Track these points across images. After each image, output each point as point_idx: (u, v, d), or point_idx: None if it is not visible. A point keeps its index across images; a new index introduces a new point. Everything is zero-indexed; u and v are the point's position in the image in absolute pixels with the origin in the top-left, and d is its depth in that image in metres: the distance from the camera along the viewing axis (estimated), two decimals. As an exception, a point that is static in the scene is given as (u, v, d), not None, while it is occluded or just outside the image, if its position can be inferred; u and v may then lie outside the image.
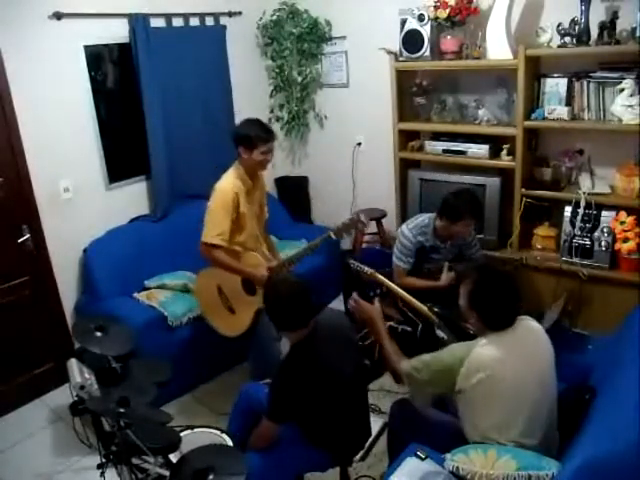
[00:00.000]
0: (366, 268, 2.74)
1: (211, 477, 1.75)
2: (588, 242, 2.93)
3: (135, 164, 3.54)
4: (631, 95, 2.70)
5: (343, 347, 2.03)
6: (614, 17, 2.68)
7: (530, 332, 1.89)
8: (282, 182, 4.54)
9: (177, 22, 3.59)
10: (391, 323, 3.01)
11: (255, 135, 2.59)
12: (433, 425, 2.04)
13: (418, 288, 2.87)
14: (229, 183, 2.62)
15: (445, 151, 3.41)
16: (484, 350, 1.79)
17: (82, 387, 2.03)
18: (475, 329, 1.94)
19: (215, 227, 2.56)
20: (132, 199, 3.56)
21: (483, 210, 3.02)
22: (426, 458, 1.85)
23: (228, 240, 2.59)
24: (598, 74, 2.83)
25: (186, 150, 3.69)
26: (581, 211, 2.92)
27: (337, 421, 2.02)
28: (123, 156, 3.51)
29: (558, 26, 2.83)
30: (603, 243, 2.89)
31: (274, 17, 4.03)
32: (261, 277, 2.54)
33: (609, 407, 1.69)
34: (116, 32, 3.27)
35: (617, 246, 2.83)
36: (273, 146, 2.66)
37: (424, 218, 2.97)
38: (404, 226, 2.98)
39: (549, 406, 1.84)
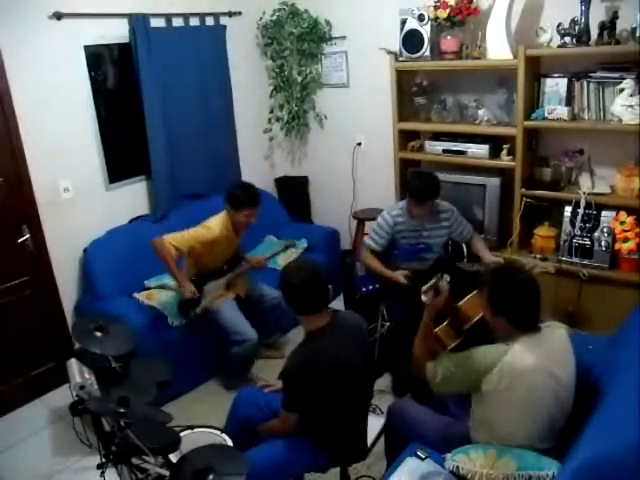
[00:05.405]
0: None
1: (211, 477, 1.74)
2: (588, 242, 2.93)
3: (135, 164, 3.54)
4: (631, 95, 2.70)
5: (356, 343, 2.04)
6: (614, 17, 2.69)
7: (556, 339, 1.85)
8: (282, 182, 4.54)
9: (177, 22, 3.59)
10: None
11: (243, 199, 2.90)
12: (430, 428, 2.03)
13: (374, 271, 3.00)
14: (219, 228, 2.92)
15: (445, 151, 3.41)
16: (517, 357, 1.74)
17: (82, 387, 2.04)
18: (503, 335, 1.85)
19: (182, 240, 2.85)
20: (132, 199, 3.56)
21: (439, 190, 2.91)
22: (426, 458, 1.86)
23: (176, 252, 2.85)
24: (598, 74, 2.83)
25: (186, 150, 3.69)
26: (581, 211, 2.92)
27: (339, 417, 2.02)
28: (123, 156, 3.51)
29: (558, 26, 2.83)
30: (603, 243, 2.89)
31: (274, 17, 4.03)
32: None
33: (609, 407, 1.69)
34: (116, 32, 3.27)
35: (617, 246, 2.83)
36: (257, 212, 2.95)
37: (403, 203, 3.02)
38: (385, 210, 3.07)
39: (566, 411, 1.82)
